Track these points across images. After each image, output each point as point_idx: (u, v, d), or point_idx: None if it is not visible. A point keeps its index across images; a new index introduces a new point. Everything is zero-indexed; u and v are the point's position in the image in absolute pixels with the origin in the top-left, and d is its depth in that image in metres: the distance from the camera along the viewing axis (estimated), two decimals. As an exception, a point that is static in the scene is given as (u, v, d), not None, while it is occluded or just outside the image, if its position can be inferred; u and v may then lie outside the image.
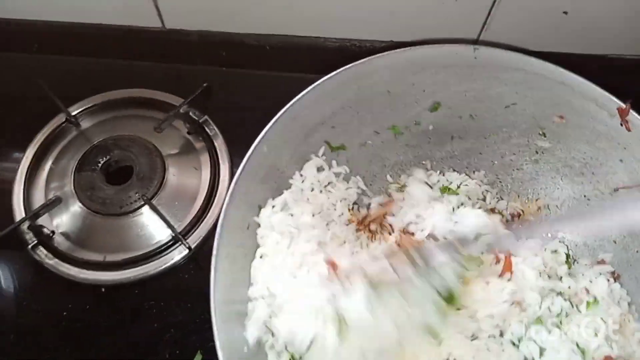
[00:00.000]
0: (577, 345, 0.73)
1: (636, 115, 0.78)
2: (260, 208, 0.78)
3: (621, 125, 0.79)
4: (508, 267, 0.79)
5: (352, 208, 0.88)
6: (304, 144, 0.84)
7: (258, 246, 0.77)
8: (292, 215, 0.77)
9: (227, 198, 0.72)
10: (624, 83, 0.80)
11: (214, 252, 0.69)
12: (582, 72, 0.81)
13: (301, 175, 0.82)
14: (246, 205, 0.76)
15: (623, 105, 0.78)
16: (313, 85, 0.79)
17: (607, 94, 0.79)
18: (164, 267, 0.91)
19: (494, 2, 0.89)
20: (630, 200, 0.72)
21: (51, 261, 0.91)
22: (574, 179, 0.88)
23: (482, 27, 0.94)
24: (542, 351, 0.74)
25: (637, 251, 0.81)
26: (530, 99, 0.85)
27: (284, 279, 0.72)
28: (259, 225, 0.78)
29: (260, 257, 0.76)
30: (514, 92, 0.85)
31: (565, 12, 0.91)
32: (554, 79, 0.81)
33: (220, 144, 1.01)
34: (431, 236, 0.78)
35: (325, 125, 0.84)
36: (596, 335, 0.73)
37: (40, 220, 0.94)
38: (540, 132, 0.88)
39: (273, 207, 0.78)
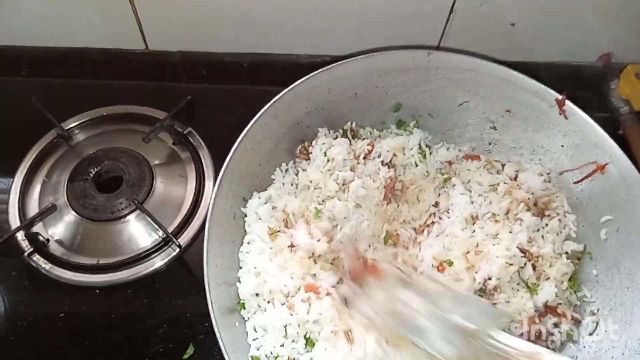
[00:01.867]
0: None
1: (572, 105, 0.89)
2: (244, 200, 0.86)
3: (560, 114, 0.90)
4: None
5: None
6: (282, 141, 0.92)
7: (245, 234, 0.84)
8: (274, 208, 0.85)
9: (215, 190, 0.79)
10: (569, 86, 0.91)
11: (206, 235, 0.77)
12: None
13: (282, 170, 0.91)
14: (232, 197, 0.84)
15: (560, 97, 0.89)
16: (290, 87, 0.88)
17: (545, 87, 0.90)
18: (154, 267, 0.96)
19: (450, 15, 1.00)
20: None
21: (47, 266, 0.96)
22: (523, 166, 0.98)
23: (440, 38, 1.05)
24: None
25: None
26: (480, 96, 0.96)
27: (270, 260, 0.80)
28: (245, 215, 0.85)
29: (248, 243, 0.83)
30: (466, 91, 0.96)
31: (513, 24, 1.02)
32: (499, 76, 0.92)
33: (204, 153, 1.08)
34: None
35: (300, 125, 0.94)
36: None
37: (36, 230, 0.99)
38: (491, 126, 0.99)
39: (259, 198, 0.86)
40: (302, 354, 0.78)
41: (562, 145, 0.93)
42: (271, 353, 0.76)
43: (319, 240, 0.81)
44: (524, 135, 0.96)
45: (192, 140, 1.10)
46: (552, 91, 0.89)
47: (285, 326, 0.79)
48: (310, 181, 0.88)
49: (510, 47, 1.05)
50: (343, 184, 0.86)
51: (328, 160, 0.88)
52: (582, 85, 0.91)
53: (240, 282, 0.82)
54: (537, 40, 1.07)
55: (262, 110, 0.87)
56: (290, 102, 0.90)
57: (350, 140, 0.93)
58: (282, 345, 0.78)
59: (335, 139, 0.93)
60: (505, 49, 1.05)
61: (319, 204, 0.85)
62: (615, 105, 1.08)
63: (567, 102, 0.89)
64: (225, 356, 0.72)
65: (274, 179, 0.92)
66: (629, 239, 0.85)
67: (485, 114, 0.98)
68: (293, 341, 0.79)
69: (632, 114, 1.06)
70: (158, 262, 0.97)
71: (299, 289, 0.80)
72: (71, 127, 1.12)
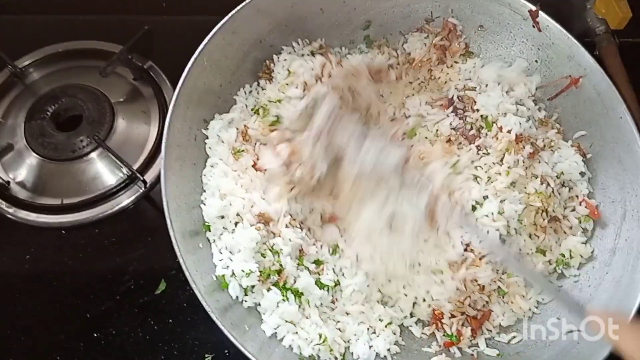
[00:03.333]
0: None
1: (546, 16, 0.86)
2: (206, 122, 0.82)
3: (533, 27, 0.87)
4: None
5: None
6: (245, 61, 0.87)
7: (207, 157, 0.81)
8: (237, 129, 0.82)
9: (170, 107, 0.76)
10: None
11: (162, 154, 0.74)
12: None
13: (245, 92, 0.86)
14: (191, 117, 0.80)
15: (533, 8, 0.86)
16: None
17: (517, -4, 0.86)
18: (121, 206, 0.94)
19: None
20: None
21: (10, 209, 0.93)
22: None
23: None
24: None
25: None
26: (451, 10, 0.91)
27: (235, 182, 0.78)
28: (206, 137, 0.82)
29: (211, 166, 0.80)
30: (436, 5, 0.91)
31: None
32: (470, -13, 0.88)
33: (166, 88, 1.04)
34: None
35: (264, 43, 0.88)
36: None
37: (-5, 172, 0.95)
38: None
39: (221, 120, 0.82)
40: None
41: (536, 61, 0.90)
42: (242, 271, 0.74)
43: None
44: (497, 52, 0.93)
45: (153, 75, 1.06)
46: (525, 2, 0.85)
47: (257, 243, 0.76)
48: (269, 100, 0.83)
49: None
50: (304, 90, 0.81)
51: (289, 74, 0.83)
52: (557, 7, 0.87)
53: (204, 204, 0.80)
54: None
55: (219, 24, 0.81)
56: (250, 18, 0.84)
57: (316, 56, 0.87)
58: (256, 262, 0.76)
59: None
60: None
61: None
62: (592, 25, 1.05)
63: (541, 13, 0.85)
64: (187, 275, 0.70)
65: (236, 100, 0.87)
66: (602, 153, 0.85)
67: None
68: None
69: (608, 33, 1.04)
70: (124, 200, 0.95)
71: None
72: (25, 65, 1.06)
